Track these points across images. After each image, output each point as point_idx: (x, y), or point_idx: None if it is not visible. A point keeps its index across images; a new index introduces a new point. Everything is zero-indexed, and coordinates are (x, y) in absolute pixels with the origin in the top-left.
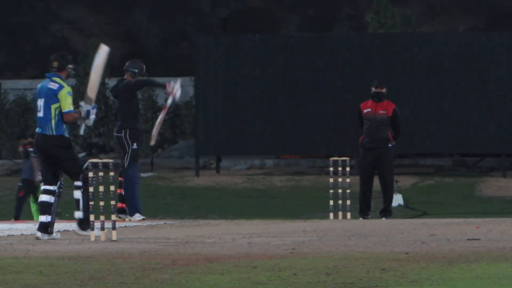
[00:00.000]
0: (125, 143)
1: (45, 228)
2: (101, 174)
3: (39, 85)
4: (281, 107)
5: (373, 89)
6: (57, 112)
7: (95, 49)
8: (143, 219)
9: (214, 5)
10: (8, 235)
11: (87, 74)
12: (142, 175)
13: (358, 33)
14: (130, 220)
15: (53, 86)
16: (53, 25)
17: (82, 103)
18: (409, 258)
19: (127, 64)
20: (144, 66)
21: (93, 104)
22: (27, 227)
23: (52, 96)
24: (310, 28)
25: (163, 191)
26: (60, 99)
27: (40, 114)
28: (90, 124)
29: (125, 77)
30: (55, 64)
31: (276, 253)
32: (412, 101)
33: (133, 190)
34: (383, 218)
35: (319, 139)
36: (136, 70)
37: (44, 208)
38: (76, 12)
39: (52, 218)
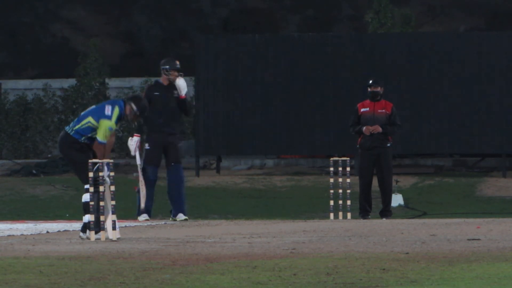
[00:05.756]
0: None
1: (84, 227)
2: (101, 174)
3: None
4: (281, 107)
5: (369, 88)
6: (85, 126)
7: (95, 49)
8: (186, 219)
9: (214, 5)
10: (8, 235)
11: (87, 74)
12: None
13: (358, 33)
14: (175, 220)
15: (107, 110)
16: (53, 25)
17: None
18: (409, 258)
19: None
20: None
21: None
22: (27, 227)
23: (97, 114)
24: (310, 28)
25: (163, 191)
26: (99, 126)
27: (81, 113)
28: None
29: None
30: (129, 96)
31: (277, 253)
32: (412, 101)
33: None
34: (383, 218)
35: (319, 139)
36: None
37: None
38: (76, 12)
39: (88, 218)
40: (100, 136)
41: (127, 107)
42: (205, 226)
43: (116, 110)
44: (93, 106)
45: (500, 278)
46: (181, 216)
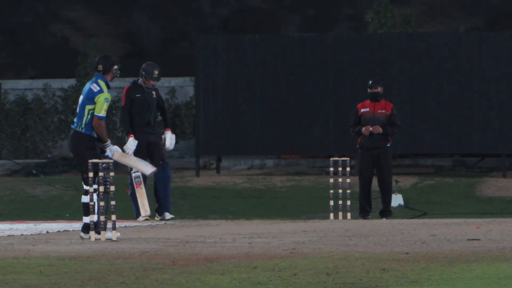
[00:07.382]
0: None
1: (86, 228)
2: (101, 174)
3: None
4: (281, 107)
5: (369, 89)
6: (90, 113)
7: (95, 49)
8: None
9: (214, 5)
10: (8, 235)
11: (87, 74)
12: None
13: (358, 33)
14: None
15: (94, 88)
16: (53, 25)
17: (108, 150)
18: (409, 258)
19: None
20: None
21: (109, 148)
22: (27, 227)
23: (89, 98)
24: (310, 28)
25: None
26: (96, 102)
27: (77, 110)
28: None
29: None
30: (100, 67)
31: (277, 253)
32: (412, 101)
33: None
34: (383, 219)
35: (319, 139)
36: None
37: (84, 209)
38: (76, 12)
39: (88, 218)
40: (98, 110)
41: (109, 75)
42: (205, 226)
43: (101, 82)
44: (81, 97)
45: (500, 278)
46: (167, 215)
